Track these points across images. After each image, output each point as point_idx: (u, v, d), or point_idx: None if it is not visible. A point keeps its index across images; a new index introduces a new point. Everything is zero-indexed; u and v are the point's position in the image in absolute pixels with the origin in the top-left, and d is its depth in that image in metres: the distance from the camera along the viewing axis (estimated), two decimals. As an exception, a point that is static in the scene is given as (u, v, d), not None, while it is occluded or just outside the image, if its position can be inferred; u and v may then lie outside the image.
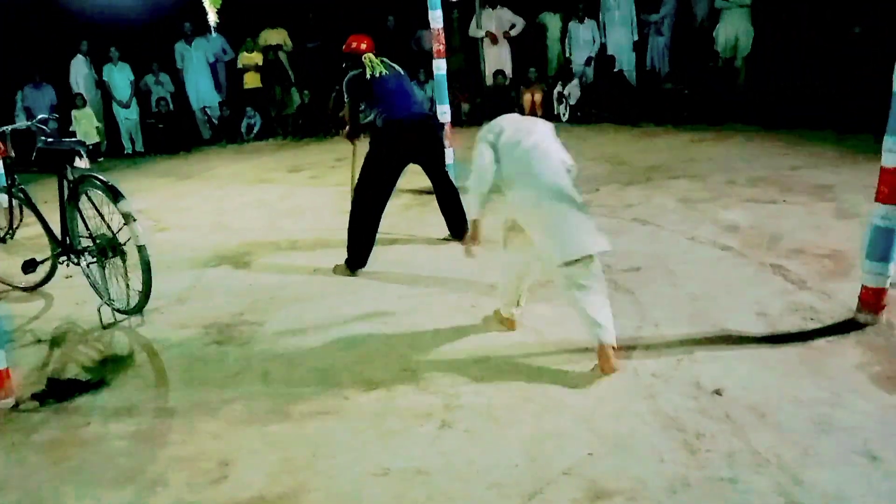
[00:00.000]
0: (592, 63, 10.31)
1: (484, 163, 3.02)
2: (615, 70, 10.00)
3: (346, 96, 4.65)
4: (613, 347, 2.93)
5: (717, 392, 2.73)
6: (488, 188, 3.03)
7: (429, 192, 5.18)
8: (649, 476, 2.27)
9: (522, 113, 3.36)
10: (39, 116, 4.46)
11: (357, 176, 4.56)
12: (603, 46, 10.31)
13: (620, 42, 10.20)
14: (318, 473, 2.44)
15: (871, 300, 3.20)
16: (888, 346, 3.00)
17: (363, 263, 4.45)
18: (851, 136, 7.07)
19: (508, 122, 3.14)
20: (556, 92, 10.13)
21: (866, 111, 7.07)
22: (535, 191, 2.95)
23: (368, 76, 4.46)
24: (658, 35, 10.21)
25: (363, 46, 4.56)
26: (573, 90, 10.03)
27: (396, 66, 4.65)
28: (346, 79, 4.57)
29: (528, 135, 3.07)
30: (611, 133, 9.08)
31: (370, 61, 4.50)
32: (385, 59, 4.62)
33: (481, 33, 10.50)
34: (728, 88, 9.12)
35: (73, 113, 10.22)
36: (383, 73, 4.50)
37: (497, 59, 10.56)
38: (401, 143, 4.39)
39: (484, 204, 3.06)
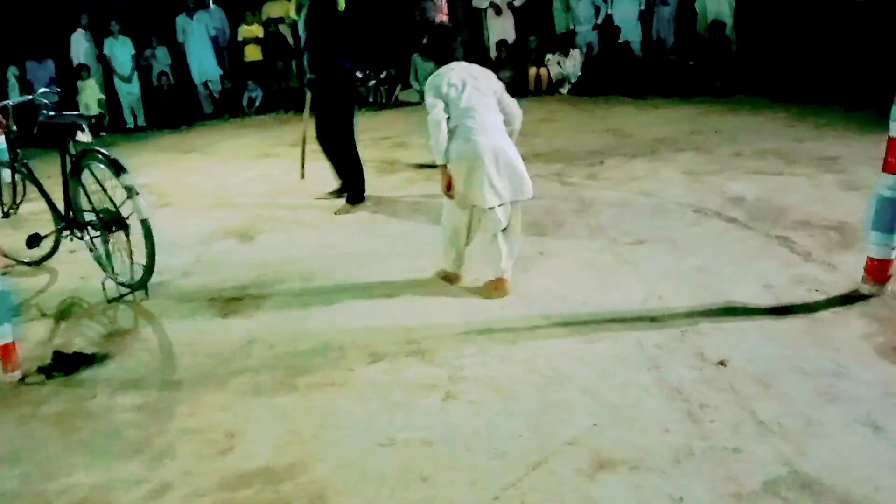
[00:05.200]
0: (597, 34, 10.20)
1: (438, 116, 3.34)
2: (619, 41, 9.89)
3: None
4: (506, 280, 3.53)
5: (722, 363, 2.73)
6: (445, 136, 3.35)
7: (430, 166, 5.16)
8: (653, 446, 2.28)
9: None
10: (40, 90, 4.43)
11: (308, 124, 5.36)
12: (609, 17, 10.18)
13: (627, 13, 10.08)
14: (325, 444, 2.46)
15: (877, 271, 3.19)
16: (893, 317, 2.99)
17: (363, 196, 5.16)
18: (859, 110, 7.00)
19: (455, 72, 3.42)
20: (553, 67, 10.04)
21: (872, 84, 7.00)
22: (473, 140, 3.30)
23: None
24: (663, 5, 10.09)
25: None
26: (575, 61, 9.93)
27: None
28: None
29: (470, 85, 3.37)
30: (616, 105, 9.00)
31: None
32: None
33: (485, 3, 10.39)
34: (723, 60, 9.02)
35: (79, 84, 10.20)
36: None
37: (501, 29, 10.45)
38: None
39: (445, 151, 3.37)
